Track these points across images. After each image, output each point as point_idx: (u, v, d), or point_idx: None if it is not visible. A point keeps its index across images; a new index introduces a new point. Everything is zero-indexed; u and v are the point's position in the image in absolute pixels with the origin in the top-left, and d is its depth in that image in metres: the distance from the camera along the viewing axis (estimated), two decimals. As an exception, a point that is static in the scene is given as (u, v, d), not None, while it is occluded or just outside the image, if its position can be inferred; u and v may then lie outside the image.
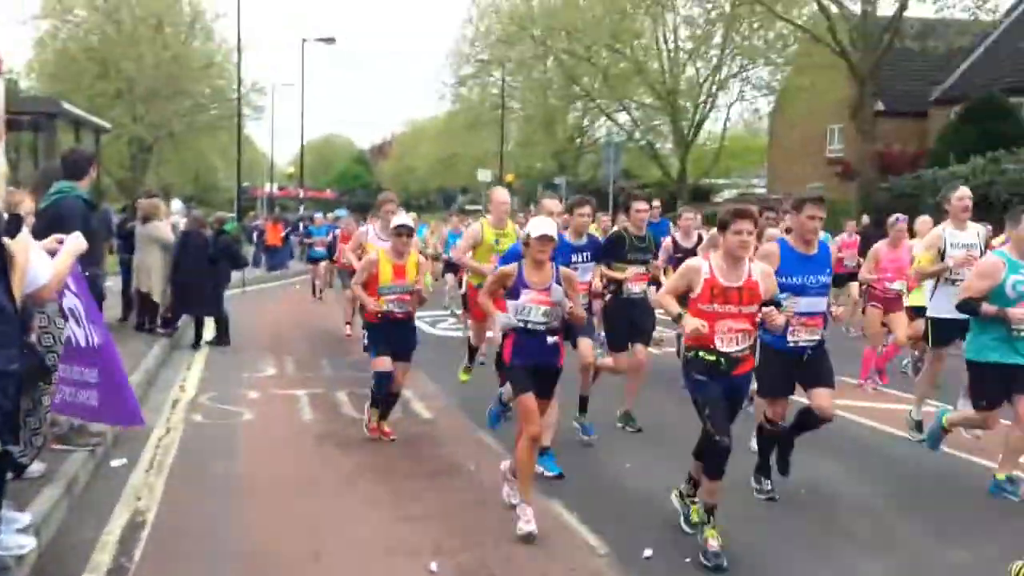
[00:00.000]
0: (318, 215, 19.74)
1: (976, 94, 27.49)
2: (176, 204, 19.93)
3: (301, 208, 44.71)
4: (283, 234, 27.83)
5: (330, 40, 37.72)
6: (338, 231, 17.03)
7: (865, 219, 19.26)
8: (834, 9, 26.18)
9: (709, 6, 32.58)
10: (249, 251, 31.58)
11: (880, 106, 29.91)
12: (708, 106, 35.80)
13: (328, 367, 11.23)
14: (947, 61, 30.70)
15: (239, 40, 32.76)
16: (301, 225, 29.48)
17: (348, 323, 13.66)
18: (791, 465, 6.16)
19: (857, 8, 26.10)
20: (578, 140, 45.55)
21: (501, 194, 8.63)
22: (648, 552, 5.10)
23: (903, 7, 25.18)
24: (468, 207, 61.56)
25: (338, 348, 12.78)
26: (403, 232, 7.18)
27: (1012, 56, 30.69)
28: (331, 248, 17.65)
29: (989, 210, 20.89)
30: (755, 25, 32.03)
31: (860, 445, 7.67)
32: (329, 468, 6.78)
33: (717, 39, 33.66)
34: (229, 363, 11.36)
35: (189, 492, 6.17)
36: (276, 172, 69.73)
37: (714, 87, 35.28)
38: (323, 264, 18.91)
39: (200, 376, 10.54)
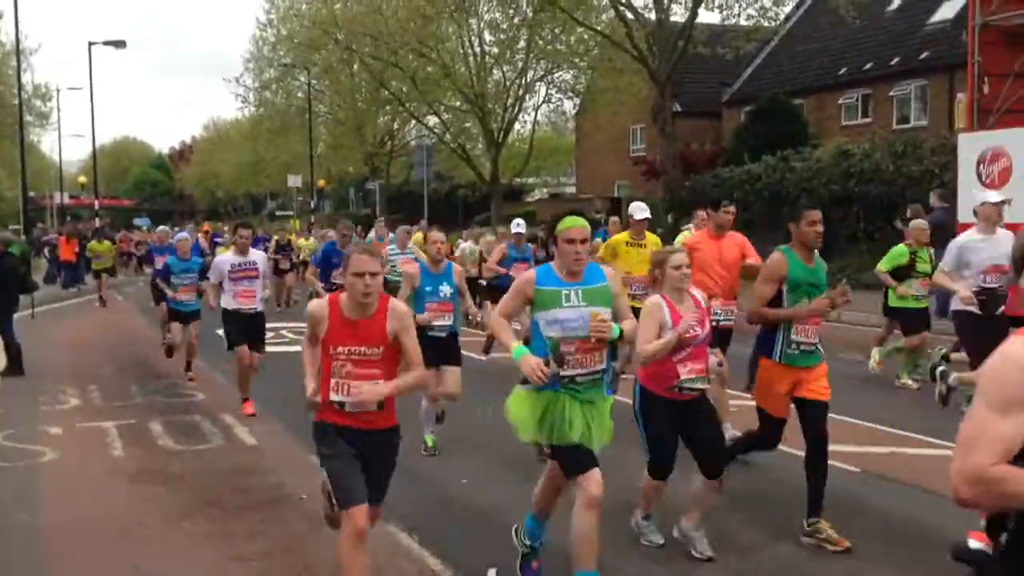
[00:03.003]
0: (182, 234, 12.75)
1: (762, 94, 29.40)
2: None
3: (96, 219, 41.99)
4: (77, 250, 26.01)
5: (120, 44, 35.53)
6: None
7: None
8: (630, 16, 27.25)
9: (511, 11, 33.18)
10: (41, 267, 29.53)
11: (677, 107, 31.42)
12: (516, 108, 36.41)
13: (139, 394, 10.56)
14: (735, 65, 32.67)
15: (17, 43, 30.29)
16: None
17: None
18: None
19: (652, 16, 27.29)
20: (389, 143, 45.22)
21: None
22: (493, 573, 5.08)
23: (694, 15, 26.54)
24: (279, 213, 59.99)
25: (148, 372, 12.07)
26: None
27: (791, 60, 33.09)
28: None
29: (780, 204, 22.48)
30: (556, 30, 32.86)
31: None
32: (149, 509, 6.34)
33: (521, 43, 34.28)
34: (24, 396, 10.47)
35: (-12, 549, 5.61)
36: (67, 180, 65.28)
37: (521, 90, 35.93)
38: (194, 324, 11.31)
39: (-8, 413, 9.67)
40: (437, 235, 7.69)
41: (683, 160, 29.13)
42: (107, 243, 22.71)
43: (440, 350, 7.40)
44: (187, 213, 71.63)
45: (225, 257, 9.41)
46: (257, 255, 9.42)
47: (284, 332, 15.27)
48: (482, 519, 5.99)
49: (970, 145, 15.11)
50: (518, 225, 12.37)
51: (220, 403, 9.79)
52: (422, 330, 6.65)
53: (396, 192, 46.63)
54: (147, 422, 8.99)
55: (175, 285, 10.99)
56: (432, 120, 39.77)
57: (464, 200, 46.90)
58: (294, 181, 46.78)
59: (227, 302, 9.22)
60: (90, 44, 35.84)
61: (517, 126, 38.66)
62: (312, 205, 47.09)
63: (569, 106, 39.16)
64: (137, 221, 64.33)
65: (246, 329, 9.21)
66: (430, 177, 34.00)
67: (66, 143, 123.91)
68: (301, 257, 21.71)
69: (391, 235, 15.87)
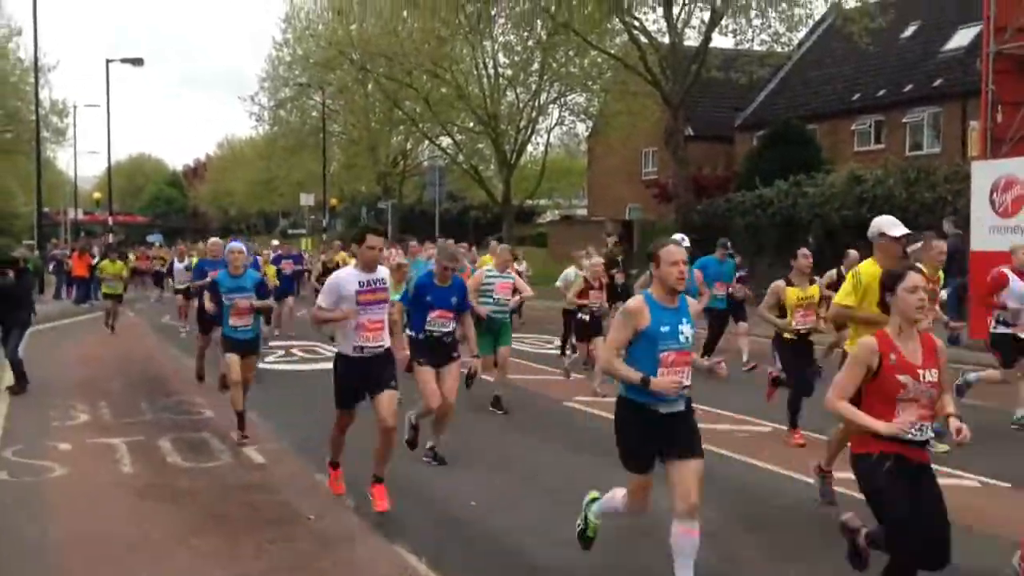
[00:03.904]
0: (234, 243, 9.91)
1: (775, 119, 29.43)
2: None
3: (110, 235, 42.29)
4: (92, 264, 26.13)
5: (137, 61, 35.87)
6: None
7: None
8: (644, 40, 27.37)
9: (526, 34, 33.36)
10: (51, 283, 29.70)
11: (690, 131, 31.49)
12: (529, 130, 36.50)
13: (148, 411, 10.57)
14: (748, 90, 32.76)
15: (36, 59, 30.62)
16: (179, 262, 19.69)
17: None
18: None
19: (666, 40, 27.40)
20: (402, 163, 45.41)
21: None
22: None
23: (708, 40, 26.64)
24: (291, 231, 60.25)
25: (158, 389, 12.10)
26: None
27: (804, 85, 33.15)
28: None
29: (792, 230, 22.44)
30: (571, 53, 33.02)
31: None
32: (157, 525, 6.33)
33: (535, 66, 34.43)
34: (33, 411, 10.48)
35: (-4, 564, 5.62)
36: (81, 196, 65.76)
37: (534, 112, 36.03)
38: (251, 359, 9.40)
39: (0, 428, 9.69)
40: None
41: (695, 184, 29.16)
42: (119, 263, 20.23)
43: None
44: (200, 230, 71.99)
45: (349, 272, 6.51)
46: (384, 271, 6.61)
47: (294, 351, 15.30)
48: (491, 542, 5.95)
49: (983, 173, 15.09)
50: (683, 240, 9.42)
51: (229, 421, 9.75)
52: None
53: (408, 212, 46.79)
54: (156, 439, 8.99)
55: (225, 307, 9.09)
56: (445, 141, 39.91)
57: (476, 221, 47.01)
58: (307, 200, 47.05)
59: (344, 342, 6.41)
60: (107, 61, 36.23)
61: (530, 148, 38.75)
62: (324, 224, 47.27)
63: (582, 128, 39.29)
64: (150, 238, 64.77)
65: (366, 378, 6.38)
66: (442, 197, 34.07)
67: (82, 159, 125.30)
68: None
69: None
